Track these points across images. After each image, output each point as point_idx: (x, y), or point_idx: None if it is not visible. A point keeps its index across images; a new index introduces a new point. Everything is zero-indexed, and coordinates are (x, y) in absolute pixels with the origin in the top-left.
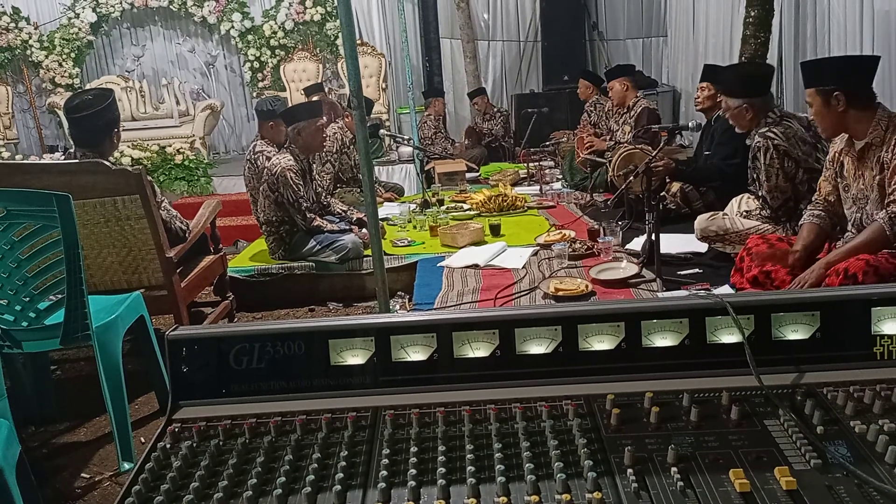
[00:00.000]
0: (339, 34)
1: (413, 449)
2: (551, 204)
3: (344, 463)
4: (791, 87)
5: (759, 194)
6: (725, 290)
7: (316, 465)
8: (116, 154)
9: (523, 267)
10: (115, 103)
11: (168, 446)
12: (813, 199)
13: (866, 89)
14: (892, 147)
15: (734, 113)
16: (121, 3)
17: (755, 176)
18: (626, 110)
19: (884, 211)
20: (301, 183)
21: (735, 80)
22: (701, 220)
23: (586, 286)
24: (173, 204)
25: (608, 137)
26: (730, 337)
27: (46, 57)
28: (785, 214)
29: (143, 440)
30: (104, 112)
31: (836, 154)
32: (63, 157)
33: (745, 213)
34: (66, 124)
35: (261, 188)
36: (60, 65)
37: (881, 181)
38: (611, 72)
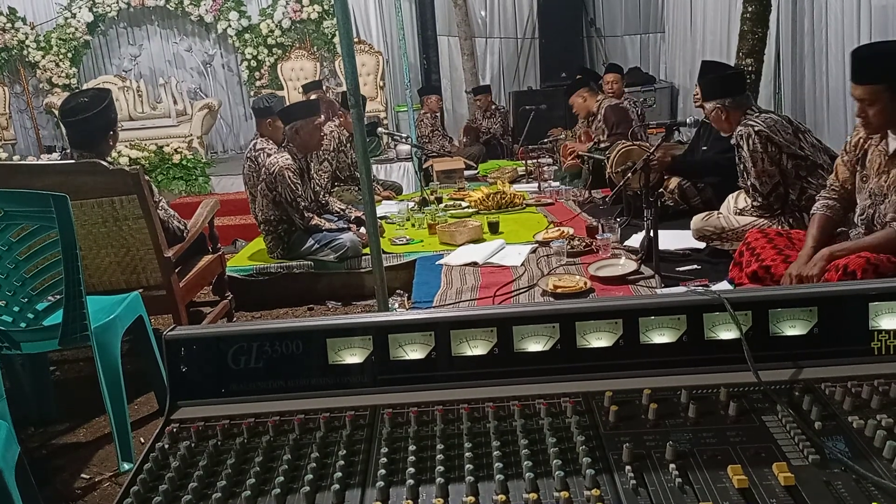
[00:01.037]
0: (337, 32)
1: (411, 447)
2: (550, 201)
3: (342, 462)
4: (788, 83)
5: (749, 183)
6: (723, 286)
7: (314, 464)
8: (114, 154)
9: (522, 264)
10: (111, 105)
11: (166, 447)
12: (828, 182)
13: None
14: None
15: (714, 116)
16: (117, 2)
17: (742, 167)
18: (593, 117)
19: None
20: (299, 182)
21: (707, 83)
22: (696, 221)
23: (585, 283)
24: (171, 203)
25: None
26: (728, 333)
27: (43, 57)
28: (777, 202)
29: (142, 440)
30: (100, 114)
31: (861, 141)
32: (60, 157)
33: (740, 211)
34: (62, 125)
35: (259, 187)
36: (57, 65)
37: None
38: (569, 87)
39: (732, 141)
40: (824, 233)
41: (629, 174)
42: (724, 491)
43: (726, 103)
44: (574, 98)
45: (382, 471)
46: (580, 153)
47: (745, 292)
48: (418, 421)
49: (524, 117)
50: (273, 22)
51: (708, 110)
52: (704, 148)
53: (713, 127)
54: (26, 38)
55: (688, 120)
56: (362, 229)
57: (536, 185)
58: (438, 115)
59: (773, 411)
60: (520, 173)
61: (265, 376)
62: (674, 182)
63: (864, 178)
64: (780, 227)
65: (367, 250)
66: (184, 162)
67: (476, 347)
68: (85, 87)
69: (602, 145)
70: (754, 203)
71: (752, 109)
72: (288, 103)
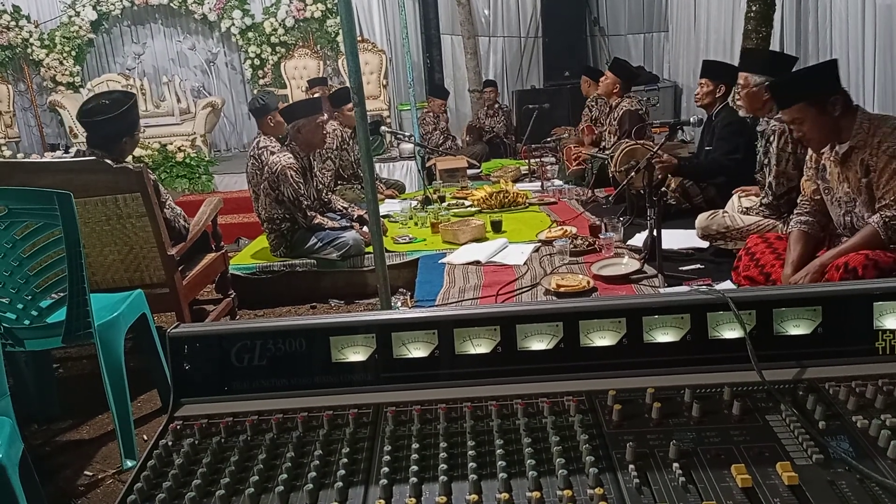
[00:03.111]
0: (340, 31)
1: (414, 445)
2: (552, 200)
3: (345, 460)
4: None
5: (767, 180)
6: (727, 285)
7: (317, 461)
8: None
9: (525, 263)
10: (132, 110)
11: (170, 444)
12: (799, 200)
13: (845, 91)
14: (877, 150)
15: (752, 91)
16: (121, 1)
17: (765, 161)
18: (609, 109)
19: (877, 215)
20: (301, 180)
21: (761, 57)
22: (702, 220)
23: (588, 282)
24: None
25: (598, 145)
26: (731, 332)
27: (47, 55)
28: (786, 205)
29: (145, 438)
30: (118, 118)
31: (815, 155)
32: (73, 155)
33: (746, 210)
34: (74, 124)
35: (262, 185)
36: (61, 63)
37: (868, 184)
38: (588, 69)
39: (760, 128)
40: (802, 249)
41: (632, 173)
42: (727, 490)
43: None
44: (609, 73)
45: (385, 468)
46: (585, 157)
47: (748, 291)
48: (421, 419)
49: (527, 116)
50: (276, 20)
51: (747, 83)
52: (708, 148)
53: (716, 127)
54: (30, 36)
55: (691, 119)
56: (365, 228)
57: (539, 184)
58: (438, 115)
59: (777, 411)
60: (523, 172)
61: (268, 374)
62: (675, 181)
63: (828, 191)
64: (781, 232)
65: (369, 249)
66: (187, 160)
67: (479, 346)
68: (89, 85)
69: (607, 152)
70: (763, 200)
71: None
72: (291, 101)
